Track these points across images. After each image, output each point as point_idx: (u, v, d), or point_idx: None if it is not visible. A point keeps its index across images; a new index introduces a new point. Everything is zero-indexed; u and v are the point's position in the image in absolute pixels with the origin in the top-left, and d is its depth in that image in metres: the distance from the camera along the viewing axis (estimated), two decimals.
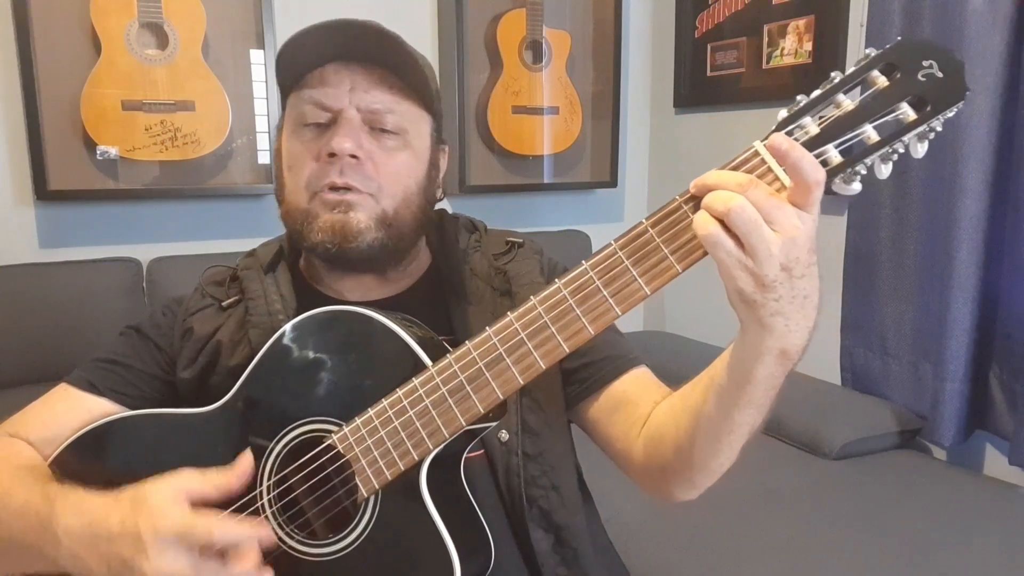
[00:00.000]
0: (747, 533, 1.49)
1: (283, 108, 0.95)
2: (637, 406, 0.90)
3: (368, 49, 0.88)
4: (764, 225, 0.60)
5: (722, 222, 0.61)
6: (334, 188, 0.87)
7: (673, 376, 2.17)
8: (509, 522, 0.89)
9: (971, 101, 1.68)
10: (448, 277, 0.97)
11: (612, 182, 2.72)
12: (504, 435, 0.89)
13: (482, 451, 0.89)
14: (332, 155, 0.87)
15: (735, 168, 0.64)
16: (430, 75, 0.93)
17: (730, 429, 0.75)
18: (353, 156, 0.86)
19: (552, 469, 0.91)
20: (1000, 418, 1.80)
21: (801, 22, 2.22)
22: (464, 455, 0.81)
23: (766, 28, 2.32)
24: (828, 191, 0.64)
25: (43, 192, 2.01)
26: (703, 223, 0.62)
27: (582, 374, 0.93)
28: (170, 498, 0.72)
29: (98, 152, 2.03)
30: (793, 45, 2.25)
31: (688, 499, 0.86)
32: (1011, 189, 1.72)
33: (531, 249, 0.99)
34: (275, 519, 0.80)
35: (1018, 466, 1.71)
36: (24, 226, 2.07)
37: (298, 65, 0.89)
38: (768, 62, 2.33)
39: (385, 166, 0.89)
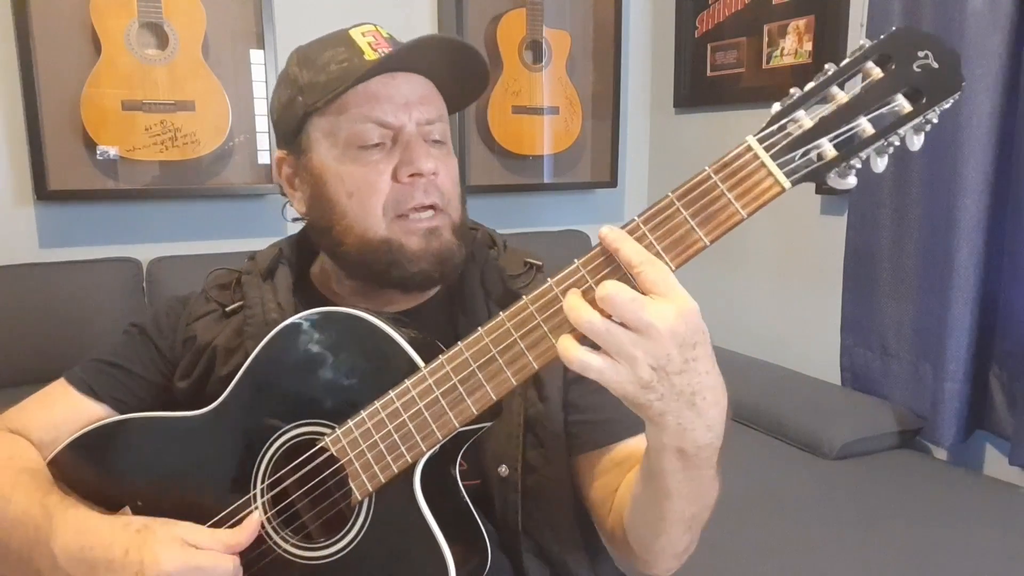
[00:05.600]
0: (747, 533, 1.48)
1: (298, 130, 0.89)
2: (617, 477, 0.87)
3: (412, 57, 0.86)
4: (620, 331, 0.60)
5: None
6: (420, 208, 0.85)
7: None
8: (504, 550, 0.88)
9: (971, 100, 1.69)
10: (460, 296, 0.94)
11: (612, 182, 2.72)
12: (504, 470, 0.86)
13: (478, 481, 0.87)
14: (413, 175, 0.85)
15: (728, 163, 0.62)
16: (473, 79, 0.91)
17: (661, 516, 0.75)
18: (434, 173, 0.86)
19: (550, 506, 0.89)
20: (1000, 418, 1.79)
21: (801, 22, 2.22)
22: (459, 457, 0.80)
23: (766, 28, 2.32)
24: (824, 185, 0.63)
25: (43, 192, 2.01)
26: (568, 348, 0.62)
27: (577, 429, 0.90)
28: (178, 539, 0.73)
29: (98, 152, 2.03)
30: (793, 45, 2.25)
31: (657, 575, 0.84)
32: (1011, 189, 1.72)
33: (550, 275, 0.97)
34: (270, 523, 0.79)
35: (1018, 466, 1.70)
36: (24, 226, 2.07)
37: (335, 81, 0.85)
38: (768, 62, 2.33)
39: (445, 177, 0.88)
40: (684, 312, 0.60)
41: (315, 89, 0.86)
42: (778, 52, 2.29)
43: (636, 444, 0.89)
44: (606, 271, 0.64)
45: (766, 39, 2.33)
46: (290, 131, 0.90)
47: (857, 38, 2.04)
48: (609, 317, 0.61)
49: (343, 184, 0.86)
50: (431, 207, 0.86)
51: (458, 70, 0.90)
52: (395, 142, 0.86)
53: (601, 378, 0.62)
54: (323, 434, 0.77)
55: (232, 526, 0.80)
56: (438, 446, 0.73)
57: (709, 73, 2.54)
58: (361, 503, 0.76)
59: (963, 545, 1.44)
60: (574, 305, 0.62)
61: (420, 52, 0.85)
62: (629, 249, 0.62)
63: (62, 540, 0.76)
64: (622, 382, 0.61)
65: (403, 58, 0.86)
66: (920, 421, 1.88)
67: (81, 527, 0.76)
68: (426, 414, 0.72)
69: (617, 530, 0.85)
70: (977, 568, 1.38)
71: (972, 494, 1.66)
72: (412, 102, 0.86)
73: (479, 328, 0.70)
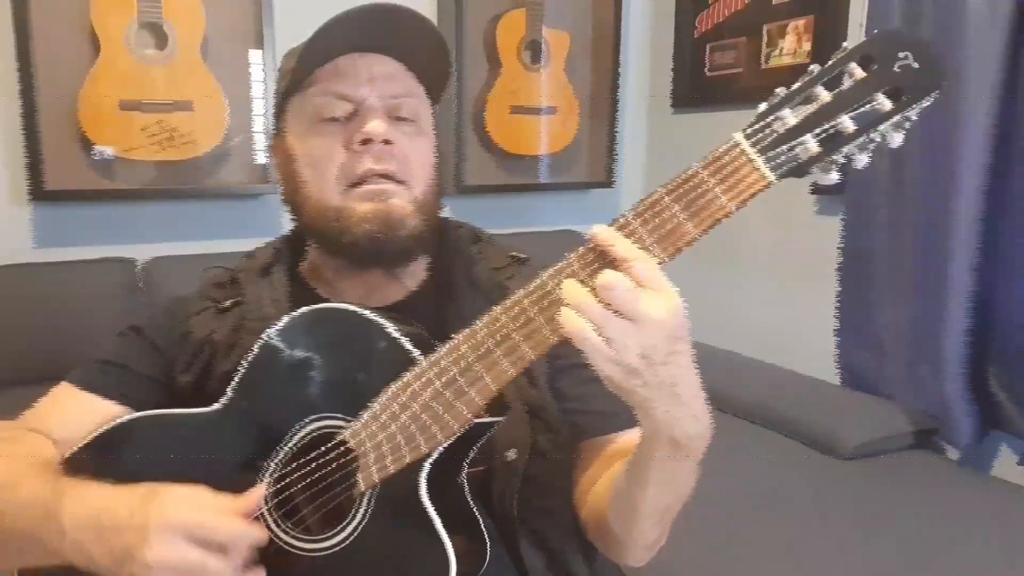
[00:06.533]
0: (759, 533, 1.48)
1: (280, 112, 0.94)
2: (598, 470, 0.90)
3: (378, 37, 0.89)
4: (613, 316, 0.63)
5: None
6: (372, 176, 0.87)
7: None
8: (502, 537, 0.89)
9: (969, 100, 1.68)
10: (447, 288, 0.96)
11: (609, 182, 2.72)
12: (511, 454, 0.88)
13: (483, 467, 0.88)
14: (366, 141, 0.87)
15: (715, 160, 0.64)
16: (436, 54, 0.93)
17: (639, 505, 0.78)
18: (386, 141, 0.87)
19: (550, 493, 0.90)
20: (1014, 419, 1.77)
21: (800, 22, 2.22)
22: (470, 453, 0.80)
23: (765, 28, 2.32)
24: (810, 178, 0.66)
25: (39, 192, 2.01)
26: (569, 319, 0.65)
27: (571, 418, 0.93)
28: (180, 498, 0.74)
29: (95, 152, 2.03)
30: (792, 45, 2.24)
31: (628, 565, 0.88)
32: (1008, 189, 1.71)
33: (536, 269, 0.98)
34: (270, 515, 0.80)
35: None
36: (20, 226, 2.07)
37: (306, 62, 0.88)
38: (767, 62, 2.33)
39: (410, 153, 0.90)
40: (673, 307, 0.64)
41: (287, 72, 0.91)
42: (777, 52, 2.29)
43: (624, 440, 0.91)
44: (596, 266, 0.67)
45: (765, 39, 2.32)
46: (275, 117, 0.95)
47: (857, 38, 2.01)
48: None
49: (306, 156, 0.90)
50: (384, 176, 0.88)
51: (425, 47, 0.92)
52: (355, 115, 0.89)
53: (593, 355, 0.64)
54: (341, 428, 0.78)
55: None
56: (454, 438, 0.74)
57: (708, 73, 2.54)
58: (362, 495, 0.77)
59: (976, 547, 1.43)
60: (573, 290, 0.66)
61: (390, 29, 0.88)
62: (622, 246, 0.65)
63: (71, 511, 0.76)
64: (610, 364, 0.64)
65: (372, 37, 0.88)
66: (935, 422, 1.86)
67: (88, 497, 0.77)
68: (434, 406, 0.73)
69: (590, 519, 0.88)
70: (991, 570, 1.37)
71: (986, 495, 1.65)
72: (377, 77, 0.89)
73: (477, 321, 0.72)
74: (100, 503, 0.76)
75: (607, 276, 0.63)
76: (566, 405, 0.93)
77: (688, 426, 0.69)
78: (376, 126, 0.86)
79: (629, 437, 0.91)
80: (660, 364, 0.64)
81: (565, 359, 0.92)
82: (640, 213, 0.66)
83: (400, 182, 0.89)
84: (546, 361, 0.92)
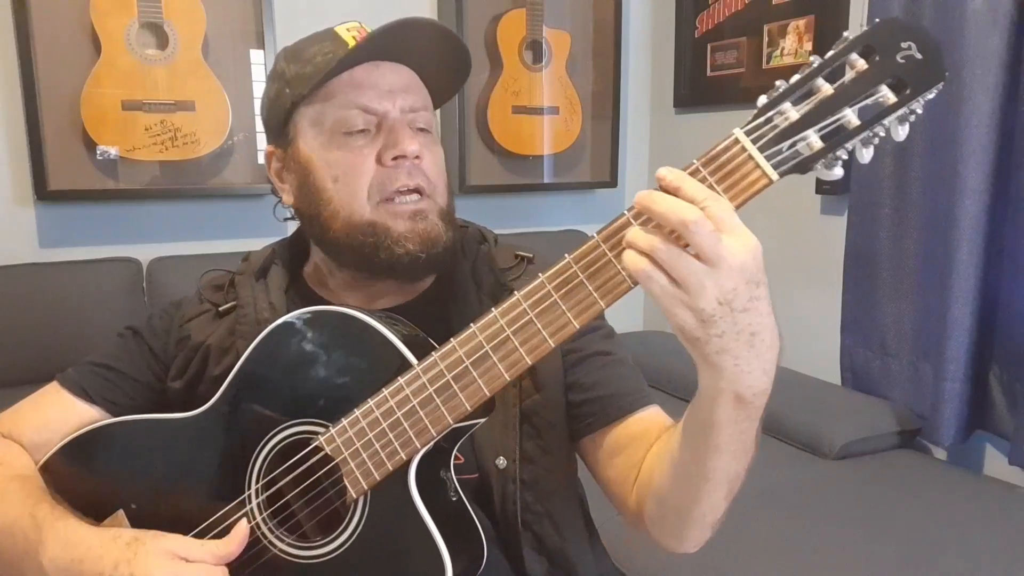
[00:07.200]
0: (746, 533, 1.47)
1: (286, 119, 0.90)
2: (637, 451, 0.86)
3: (394, 47, 0.87)
4: (689, 257, 0.59)
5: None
6: (405, 191, 0.86)
7: (674, 376, 2.15)
8: (503, 543, 0.88)
9: (971, 100, 1.68)
10: (452, 290, 0.94)
11: (612, 182, 2.72)
12: (502, 462, 0.87)
13: (476, 475, 0.88)
14: (397, 158, 0.86)
15: (716, 156, 0.62)
16: (453, 68, 0.93)
17: (705, 476, 0.72)
18: (417, 158, 0.86)
19: (548, 497, 0.89)
20: (1000, 418, 1.78)
21: (801, 22, 2.22)
22: (454, 453, 0.80)
23: (766, 28, 2.32)
24: (816, 178, 0.64)
25: (43, 192, 2.01)
26: (632, 260, 0.61)
27: (585, 409, 0.90)
28: (167, 552, 0.74)
29: (98, 152, 2.03)
30: (793, 45, 2.24)
31: (684, 551, 0.82)
32: (1011, 189, 1.71)
33: (541, 268, 0.97)
34: (265, 523, 0.80)
35: (1018, 466, 1.69)
36: (24, 226, 2.07)
37: (325, 74, 0.86)
38: (768, 62, 2.33)
39: (430, 163, 0.89)
40: (753, 249, 0.60)
41: (301, 80, 0.88)
42: (778, 52, 2.29)
43: (650, 416, 0.89)
44: (653, 224, 0.63)
45: (766, 39, 2.32)
46: (278, 124, 0.92)
47: None
48: None
49: (329, 169, 0.87)
50: (416, 191, 0.87)
51: (442, 59, 0.91)
52: (379, 128, 0.87)
53: (665, 299, 0.60)
54: (317, 433, 0.77)
55: (226, 528, 0.80)
56: (433, 442, 0.73)
57: (709, 73, 2.54)
58: (356, 501, 0.76)
59: (963, 545, 1.43)
60: (638, 232, 0.61)
61: (406, 38, 0.87)
62: (692, 186, 0.60)
63: (52, 552, 0.76)
64: (683, 310, 0.60)
65: (387, 45, 0.87)
66: (920, 421, 1.88)
67: (70, 539, 0.77)
68: (420, 411, 0.72)
69: (643, 506, 0.83)
70: (977, 568, 1.37)
71: (972, 494, 1.65)
72: (396, 90, 0.87)
73: (471, 324, 0.70)
74: (81, 548, 0.75)
75: (687, 212, 0.58)
76: (583, 395, 0.90)
77: (756, 380, 0.64)
78: (410, 145, 0.85)
79: (648, 414, 0.89)
80: (740, 311, 0.60)
81: (577, 352, 0.90)
82: (638, 215, 0.64)
83: (428, 196, 0.88)
84: (560, 356, 0.90)
